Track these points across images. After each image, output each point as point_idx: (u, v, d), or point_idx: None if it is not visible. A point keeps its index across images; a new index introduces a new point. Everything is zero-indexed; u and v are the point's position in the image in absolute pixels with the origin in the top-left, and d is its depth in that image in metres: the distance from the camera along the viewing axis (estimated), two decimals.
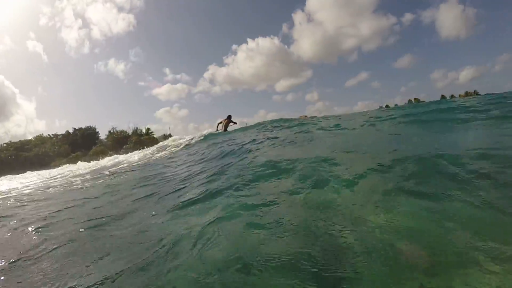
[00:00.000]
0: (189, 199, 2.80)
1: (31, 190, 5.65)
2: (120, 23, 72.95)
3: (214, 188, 2.98)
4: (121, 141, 31.38)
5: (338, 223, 1.79)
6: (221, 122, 11.86)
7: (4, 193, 5.46)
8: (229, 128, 11.69)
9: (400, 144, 3.95)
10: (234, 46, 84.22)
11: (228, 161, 4.33)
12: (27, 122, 50.51)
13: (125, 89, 78.11)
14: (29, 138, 33.48)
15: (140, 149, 12.57)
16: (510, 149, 2.86)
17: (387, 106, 52.32)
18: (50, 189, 5.34)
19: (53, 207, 3.52)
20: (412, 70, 73.84)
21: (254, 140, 5.80)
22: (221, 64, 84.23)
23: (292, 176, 2.85)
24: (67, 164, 13.87)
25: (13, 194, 5.17)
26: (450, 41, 73.30)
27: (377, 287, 1.25)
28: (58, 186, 5.50)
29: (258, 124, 10.22)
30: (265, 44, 75.88)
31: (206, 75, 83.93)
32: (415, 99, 54.77)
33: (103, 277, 1.59)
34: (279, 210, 2.12)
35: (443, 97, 53.03)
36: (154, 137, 34.20)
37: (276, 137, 5.73)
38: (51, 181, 6.80)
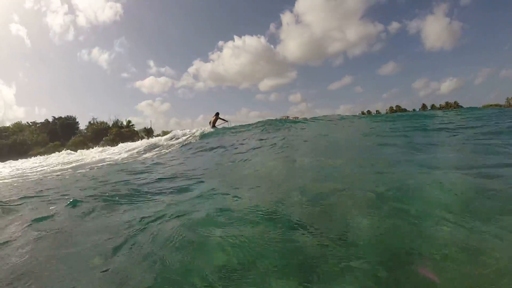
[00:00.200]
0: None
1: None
2: (107, 11, 71.40)
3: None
4: (101, 133, 31.61)
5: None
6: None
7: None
8: (220, 126, 12.21)
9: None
10: (220, 42, 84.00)
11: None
12: (6, 108, 49.43)
13: (107, 79, 76.75)
14: (7, 125, 33.26)
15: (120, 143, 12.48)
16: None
17: (368, 112, 54.65)
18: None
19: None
20: (395, 78, 76.60)
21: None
22: (206, 59, 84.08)
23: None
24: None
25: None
26: (434, 52, 75.33)
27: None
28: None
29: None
30: (251, 42, 76.46)
31: (191, 70, 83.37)
32: (396, 106, 56.58)
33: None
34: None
35: (424, 106, 55.18)
36: (134, 130, 34.67)
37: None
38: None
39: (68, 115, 35.45)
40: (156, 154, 7.91)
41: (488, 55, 73.27)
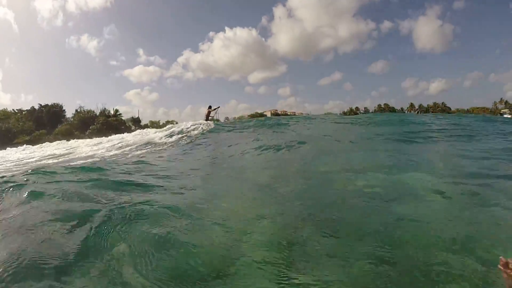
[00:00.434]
0: None
1: None
2: None
3: None
4: (88, 121, 31.46)
5: None
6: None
7: None
8: (214, 115, 14.16)
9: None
10: (211, 33, 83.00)
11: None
12: None
13: (96, 67, 75.61)
14: None
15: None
16: None
17: (357, 108, 54.72)
18: None
19: None
20: (385, 76, 77.81)
21: None
22: (196, 50, 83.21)
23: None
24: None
25: None
26: (425, 53, 77.29)
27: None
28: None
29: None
30: (242, 34, 75.85)
31: (180, 59, 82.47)
32: (385, 104, 56.79)
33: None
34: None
35: (412, 105, 54.97)
36: (122, 119, 34.85)
37: None
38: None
39: (55, 102, 34.85)
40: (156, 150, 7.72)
41: (478, 59, 74.66)
